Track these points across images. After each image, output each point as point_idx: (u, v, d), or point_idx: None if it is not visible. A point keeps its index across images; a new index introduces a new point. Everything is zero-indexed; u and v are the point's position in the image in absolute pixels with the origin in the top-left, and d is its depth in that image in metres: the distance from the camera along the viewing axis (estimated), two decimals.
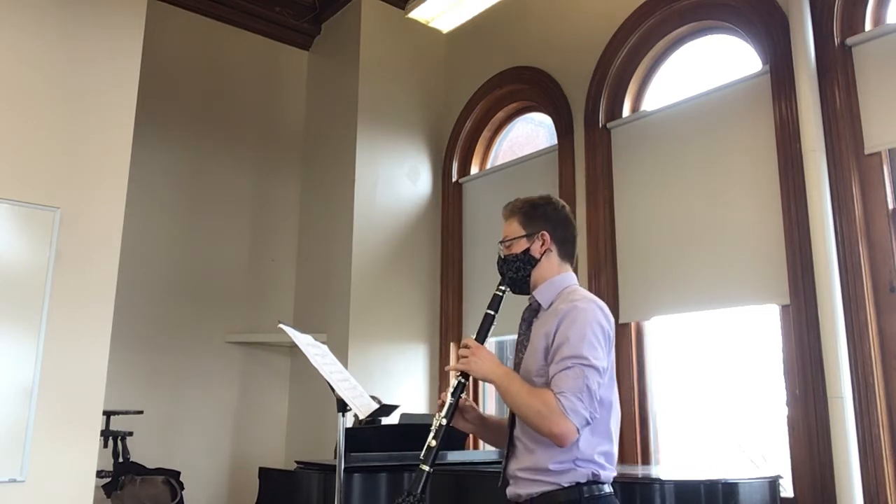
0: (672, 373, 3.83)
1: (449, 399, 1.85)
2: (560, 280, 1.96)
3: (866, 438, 2.87)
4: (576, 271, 2.05)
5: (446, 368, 1.90)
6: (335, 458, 2.83)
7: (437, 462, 1.82)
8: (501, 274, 1.99)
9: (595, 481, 1.77)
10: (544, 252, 1.97)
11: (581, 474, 1.76)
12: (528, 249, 1.97)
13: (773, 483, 2.81)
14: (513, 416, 1.88)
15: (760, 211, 3.40)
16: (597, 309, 1.82)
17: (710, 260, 3.57)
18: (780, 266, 3.26)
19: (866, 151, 3.11)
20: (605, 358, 1.78)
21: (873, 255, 3.03)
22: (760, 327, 3.45)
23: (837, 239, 3.06)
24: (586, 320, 1.78)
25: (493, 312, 1.92)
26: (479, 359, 1.84)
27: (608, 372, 1.81)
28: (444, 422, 1.83)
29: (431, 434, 1.82)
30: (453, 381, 1.89)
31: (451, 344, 4.86)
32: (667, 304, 3.72)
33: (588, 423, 1.72)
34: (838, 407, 2.89)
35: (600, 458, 1.80)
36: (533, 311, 1.97)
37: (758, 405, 3.52)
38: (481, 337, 1.91)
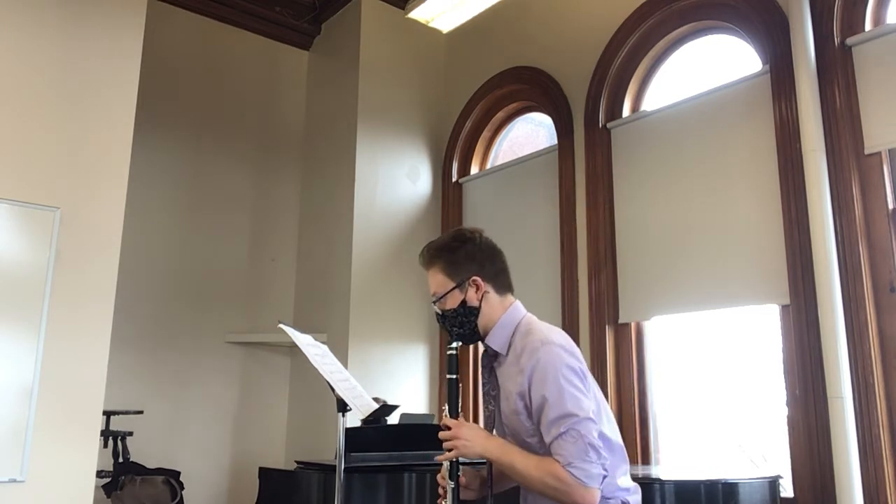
0: (672, 373, 3.83)
1: (449, 484, 1.77)
2: (508, 319, 1.85)
3: (866, 438, 2.87)
4: (514, 293, 1.93)
5: (436, 459, 1.82)
6: (334, 458, 2.84)
7: (433, 465, 1.81)
8: (446, 331, 1.89)
9: None
10: (482, 297, 1.84)
11: None
12: (464, 301, 1.85)
13: (773, 483, 2.81)
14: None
15: (760, 211, 3.40)
16: (560, 351, 1.72)
17: (709, 260, 3.57)
18: (780, 266, 3.26)
19: (866, 151, 3.11)
20: (589, 400, 1.69)
21: (873, 255, 3.03)
22: (760, 327, 3.45)
23: (837, 239, 3.06)
24: (556, 370, 1.69)
25: (454, 376, 1.81)
26: (468, 439, 1.73)
27: (596, 403, 1.74)
28: None
29: None
30: (445, 465, 1.78)
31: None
32: (667, 304, 3.73)
33: (605, 476, 1.66)
34: (838, 407, 2.89)
35: (623, 480, 1.76)
36: (491, 355, 1.88)
37: (758, 405, 3.52)
38: (454, 409, 1.80)
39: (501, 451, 1.73)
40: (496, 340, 1.84)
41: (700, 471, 3.18)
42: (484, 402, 1.90)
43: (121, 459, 3.89)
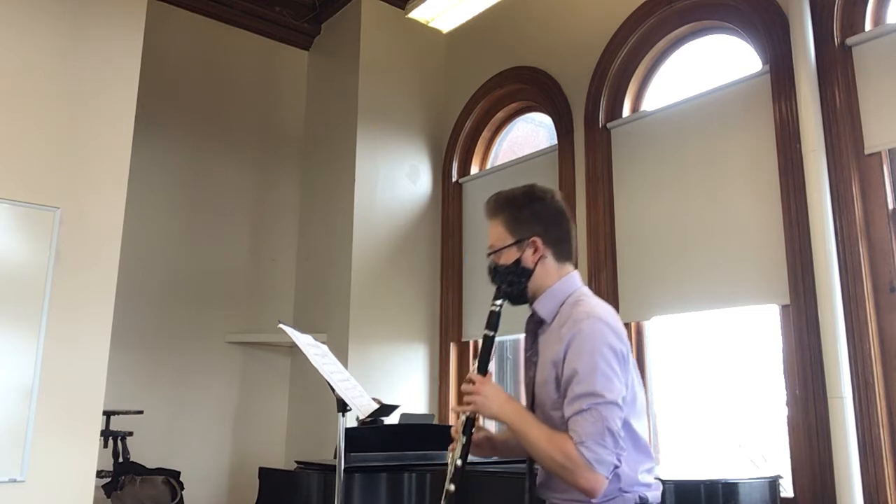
0: (672, 373, 3.83)
1: (461, 439, 1.71)
2: (561, 287, 1.76)
3: (866, 438, 2.87)
4: (576, 265, 1.85)
5: (452, 409, 1.77)
6: (334, 458, 2.84)
7: (440, 463, 1.80)
8: (495, 285, 1.79)
9: None
10: (538, 260, 1.76)
11: (629, 500, 1.64)
12: (519, 260, 1.76)
13: (773, 483, 2.81)
14: None
15: (760, 211, 3.40)
16: (604, 327, 1.64)
17: (710, 260, 3.57)
18: (780, 266, 3.26)
19: (866, 151, 3.11)
20: (621, 385, 1.60)
21: (873, 255, 3.03)
22: (760, 327, 3.45)
23: (837, 239, 3.06)
24: (594, 347, 1.60)
25: (492, 333, 1.74)
26: (487, 397, 1.67)
27: (630, 390, 1.65)
28: (459, 463, 1.69)
29: (448, 478, 1.69)
30: (462, 418, 1.73)
31: (451, 344, 4.86)
32: (667, 303, 3.72)
33: (617, 467, 1.57)
34: (838, 407, 2.89)
35: (645, 476, 1.68)
36: (536, 322, 1.80)
37: (758, 405, 3.52)
38: (483, 365, 1.73)
39: (517, 415, 1.67)
40: (544, 307, 1.76)
41: (700, 471, 3.18)
42: (525, 368, 1.83)
43: (121, 459, 3.89)
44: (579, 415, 1.56)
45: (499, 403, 1.68)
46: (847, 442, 2.85)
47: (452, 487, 1.67)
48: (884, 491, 2.81)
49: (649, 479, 1.70)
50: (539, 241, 1.76)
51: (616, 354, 1.62)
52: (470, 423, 1.72)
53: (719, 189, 3.59)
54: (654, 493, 1.70)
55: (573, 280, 1.79)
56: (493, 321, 1.75)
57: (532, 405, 1.77)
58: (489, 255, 1.82)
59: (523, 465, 1.83)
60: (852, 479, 2.82)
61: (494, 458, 3.26)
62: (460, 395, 1.76)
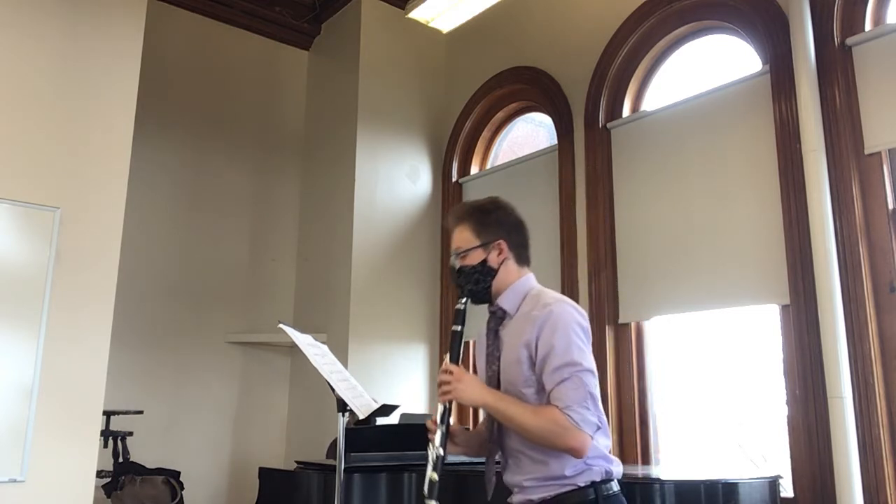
0: (672, 373, 3.83)
1: (440, 428, 1.80)
2: (522, 284, 1.93)
3: (866, 438, 2.87)
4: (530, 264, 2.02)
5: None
6: (333, 458, 2.84)
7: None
8: (458, 286, 1.94)
9: (608, 479, 1.78)
10: (502, 262, 1.92)
11: (596, 472, 1.76)
12: (485, 260, 1.91)
13: (773, 483, 2.81)
14: (500, 427, 1.85)
15: (760, 211, 3.40)
16: (572, 310, 1.81)
17: (710, 260, 3.57)
18: (780, 266, 3.26)
19: (866, 151, 3.11)
20: (591, 357, 1.78)
21: (873, 255, 3.03)
22: (760, 327, 3.45)
23: (837, 239, 3.06)
24: (567, 323, 1.77)
25: (459, 328, 1.88)
26: (464, 384, 1.78)
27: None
28: (440, 452, 1.79)
29: (430, 467, 1.78)
30: (440, 408, 1.82)
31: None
32: (667, 304, 3.72)
33: (599, 428, 1.73)
34: (838, 407, 2.89)
35: (607, 451, 1.80)
36: (498, 319, 1.93)
37: (758, 405, 3.52)
38: (455, 357, 1.85)
39: (497, 398, 1.78)
40: (507, 301, 1.91)
41: (700, 471, 3.18)
42: (487, 363, 1.94)
43: (121, 459, 3.89)
44: (562, 384, 1.71)
45: (478, 390, 1.80)
46: (847, 442, 2.85)
47: (436, 476, 1.77)
48: (884, 491, 2.81)
49: (611, 456, 1.82)
50: (504, 244, 1.93)
51: (585, 333, 1.80)
52: (447, 412, 1.82)
53: (719, 189, 3.59)
54: (618, 469, 1.82)
55: (531, 280, 1.97)
56: (460, 317, 1.90)
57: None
58: (454, 256, 1.96)
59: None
60: (852, 479, 2.82)
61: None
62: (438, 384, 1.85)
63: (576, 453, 1.69)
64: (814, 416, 3.03)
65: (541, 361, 1.76)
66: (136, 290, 4.38)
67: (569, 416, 1.67)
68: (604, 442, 1.80)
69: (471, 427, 2.05)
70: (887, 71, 3.10)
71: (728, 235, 3.51)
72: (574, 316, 1.79)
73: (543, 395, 1.76)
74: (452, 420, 1.93)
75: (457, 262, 1.95)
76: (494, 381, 1.88)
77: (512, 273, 1.93)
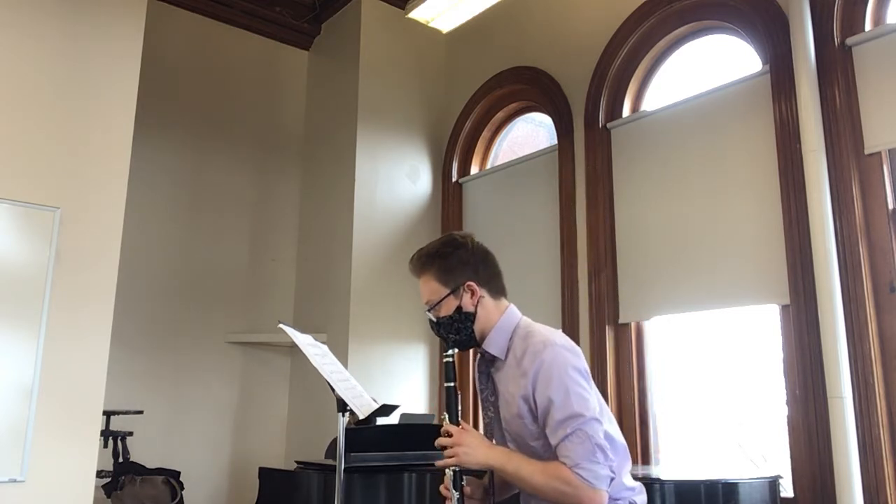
0: (672, 373, 3.83)
1: (454, 494, 1.72)
2: (505, 323, 1.81)
3: (866, 438, 2.87)
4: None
5: (437, 464, 1.78)
6: (333, 458, 2.84)
7: (433, 465, 1.80)
8: (442, 338, 1.85)
9: None
10: (478, 302, 1.81)
11: None
12: (459, 307, 1.81)
13: (773, 483, 2.81)
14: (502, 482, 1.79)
15: (760, 211, 3.40)
16: (564, 352, 1.70)
17: (710, 260, 3.57)
18: (780, 266, 3.26)
19: (866, 151, 3.11)
20: (594, 401, 1.68)
21: (873, 255, 3.03)
22: (760, 327, 3.45)
23: (837, 239, 3.06)
24: (561, 372, 1.66)
25: (453, 384, 1.78)
26: (469, 446, 1.70)
27: (598, 404, 1.72)
28: None
29: None
30: (449, 474, 1.73)
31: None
32: (667, 304, 3.72)
33: (613, 478, 1.64)
34: (838, 407, 2.89)
35: (628, 480, 1.74)
36: (488, 360, 1.85)
37: (758, 405, 3.52)
38: (454, 416, 1.76)
39: (505, 458, 1.69)
40: (494, 345, 1.81)
41: (700, 471, 3.18)
42: (483, 408, 1.87)
43: (121, 459, 3.89)
44: (567, 439, 1.62)
45: (483, 451, 1.70)
46: (847, 442, 2.85)
47: None
48: (884, 491, 2.81)
49: (632, 482, 1.76)
50: (474, 285, 1.82)
51: (581, 374, 1.69)
52: (458, 476, 1.73)
53: (719, 189, 3.59)
54: (641, 497, 1.76)
55: (513, 314, 1.85)
56: (450, 373, 1.79)
57: (502, 442, 1.81)
58: (428, 310, 1.86)
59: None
60: (852, 479, 2.82)
61: None
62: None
63: None
64: (814, 416, 3.03)
65: (542, 416, 1.68)
66: (136, 290, 4.38)
67: (579, 474, 1.59)
68: (626, 468, 1.74)
69: None
70: (887, 71, 3.10)
71: (728, 235, 3.51)
72: (567, 359, 1.69)
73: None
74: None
75: (432, 316, 1.85)
76: (491, 429, 1.82)
77: (492, 312, 1.82)
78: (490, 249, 1.91)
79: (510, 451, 1.75)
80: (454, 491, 1.72)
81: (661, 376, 3.84)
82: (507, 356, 1.79)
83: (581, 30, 4.40)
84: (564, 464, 1.61)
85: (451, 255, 1.84)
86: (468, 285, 1.81)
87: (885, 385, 2.92)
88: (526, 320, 1.85)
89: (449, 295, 1.82)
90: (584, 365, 1.72)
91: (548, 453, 1.68)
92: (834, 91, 3.19)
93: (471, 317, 1.81)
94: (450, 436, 1.72)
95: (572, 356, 1.70)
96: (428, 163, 5.16)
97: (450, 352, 1.82)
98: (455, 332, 1.82)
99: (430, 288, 1.85)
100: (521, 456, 1.71)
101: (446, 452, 1.72)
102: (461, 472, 1.75)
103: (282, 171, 5.26)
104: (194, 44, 5.01)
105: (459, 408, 1.78)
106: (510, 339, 1.80)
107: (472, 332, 1.82)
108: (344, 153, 4.89)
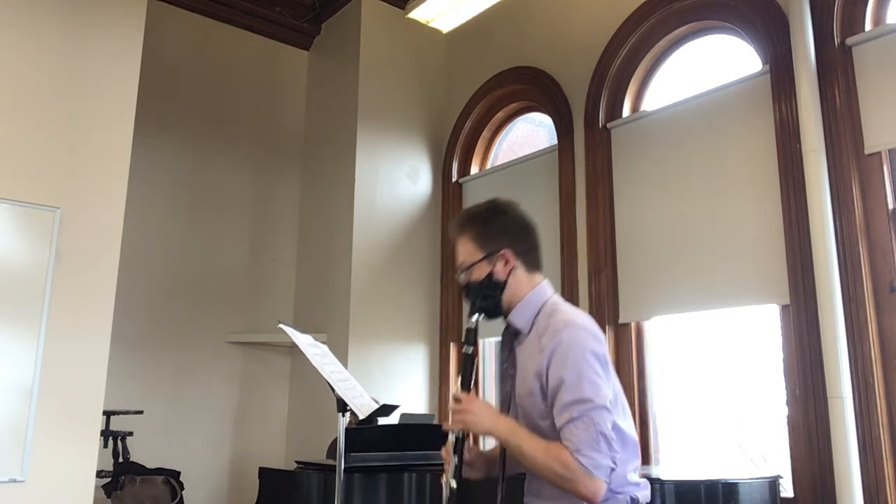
0: (672, 373, 3.83)
1: (453, 459, 1.69)
2: (534, 298, 1.78)
3: (866, 438, 2.87)
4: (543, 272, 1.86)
5: (443, 427, 1.75)
6: (333, 458, 2.84)
7: (440, 463, 1.78)
8: (469, 301, 1.79)
9: None
10: (510, 272, 1.77)
11: (620, 500, 1.67)
12: (491, 273, 1.77)
13: (773, 483, 2.82)
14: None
15: (760, 211, 3.40)
16: (585, 334, 1.66)
17: (710, 260, 3.57)
18: (780, 266, 3.26)
19: (866, 151, 3.11)
20: (608, 388, 1.63)
21: (873, 255, 3.03)
22: (760, 327, 3.45)
23: (837, 239, 3.06)
24: (578, 354, 1.62)
25: (470, 350, 1.74)
26: (476, 414, 1.67)
27: (614, 393, 1.67)
28: (453, 484, 1.68)
29: (444, 501, 1.68)
30: (451, 437, 1.71)
31: (451, 344, 4.86)
32: (667, 304, 3.72)
33: (614, 469, 1.59)
34: (838, 407, 2.89)
35: (633, 476, 1.71)
36: (511, 333, 1.82)
37: (758, 405, 3.52)
38: (467, 383, 1.72)
39: (510, 430, 1.66)
40: (520, 318, 1.77)
41: (700, 471, 3.18)
42: (501, 380, 1.84)
43: (121, 459, 3.89)
44: (571, 423, 1.58)
45: (490, 419, 1.68)
46: (847, 442, 2.85)
47: None
48: (884, 491, 2.81)
49: (637, 478, 1.73)
50: (509, 253, 1.78)
51: (599, 359, 1.65)
52: (460, 442, 1.71)
53: (719, 189, 3.59)
54: (644, 493, 1.73)
55: (545, 289, 1.82)
56: (471, 337, 1.75)
57: (514, 417, 1.77)
58: (460, 272, 1.83)
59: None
60: (852, 479, 2.82)
61: None
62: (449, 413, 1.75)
63: (589, 500, 1.58)
64: (814, 416, 3.03)
65: (551, 395, 1.64)
66: (136, 290, 4.38)
67: (579, 460, 1.55)
68: (633, 464, 1.71)
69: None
70: (887, 71, 3.10)
71: (728, 235, 3.51)
72: (587, 342, 1.64)
73: None
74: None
75: (463, 278, 1.82)
76: (507, 402, 1.79)
77: (523, 284, 1.78)
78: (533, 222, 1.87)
79: (517, 424, 1.71)
80: (454, 456, 1.70)
81: (661, 376, 3.84)
82: (530, 331, 1.75)
83: (581, 30, 4.40)
84: (566, 447, 1.57)
85: (492, 220, 1.81)
86: (503, 253, 1.78)
87: (885, 385, 2.92)
88: (556, 298, 1.81)
89: (482, 259, 1.78)
90: (605, 351, 1.68)
91: (554, 434, 1.64)
92: (834, 91, 3.19)
93: (501, 285, 1.77)
94: (459, 401, 1.70)
95: (593, 340, 1.66)
96: (428, 163, 5.16)
97: (474, 317, 1.77)
98: (483, 297, 1.78)
99: (467, 249, 1.81)
100: (526, 431, 1.67)
101: (454, 417, 1.69)
102: (464, 439, 1.72)
103: (282, 171, 5.26)
104: (194, 44, 5.01)
105: (474, 376, 1.75)
106: (536, 314, 1.76)
107: (500, 301, 1.78)
108: (344, 153, 4.90)
